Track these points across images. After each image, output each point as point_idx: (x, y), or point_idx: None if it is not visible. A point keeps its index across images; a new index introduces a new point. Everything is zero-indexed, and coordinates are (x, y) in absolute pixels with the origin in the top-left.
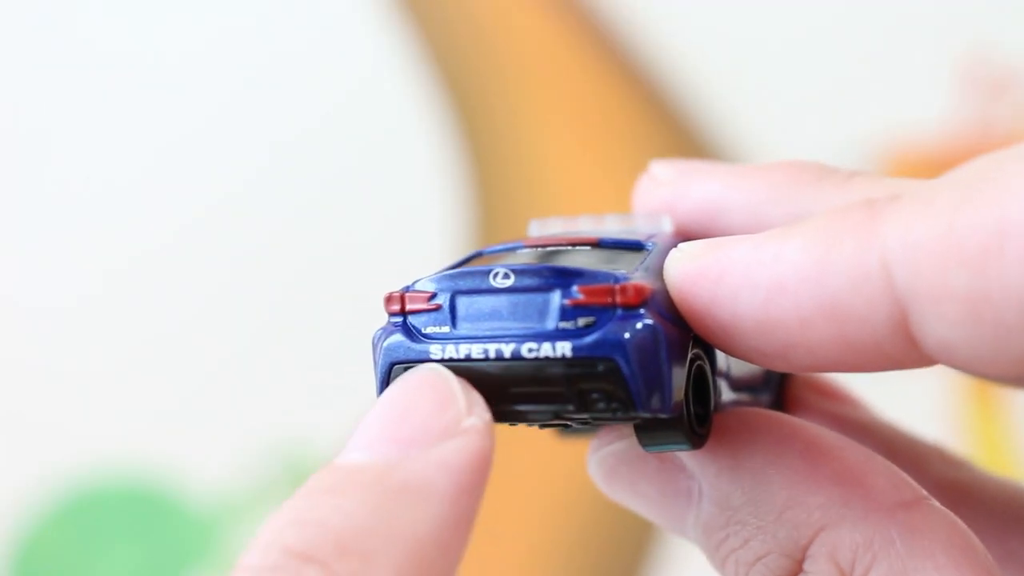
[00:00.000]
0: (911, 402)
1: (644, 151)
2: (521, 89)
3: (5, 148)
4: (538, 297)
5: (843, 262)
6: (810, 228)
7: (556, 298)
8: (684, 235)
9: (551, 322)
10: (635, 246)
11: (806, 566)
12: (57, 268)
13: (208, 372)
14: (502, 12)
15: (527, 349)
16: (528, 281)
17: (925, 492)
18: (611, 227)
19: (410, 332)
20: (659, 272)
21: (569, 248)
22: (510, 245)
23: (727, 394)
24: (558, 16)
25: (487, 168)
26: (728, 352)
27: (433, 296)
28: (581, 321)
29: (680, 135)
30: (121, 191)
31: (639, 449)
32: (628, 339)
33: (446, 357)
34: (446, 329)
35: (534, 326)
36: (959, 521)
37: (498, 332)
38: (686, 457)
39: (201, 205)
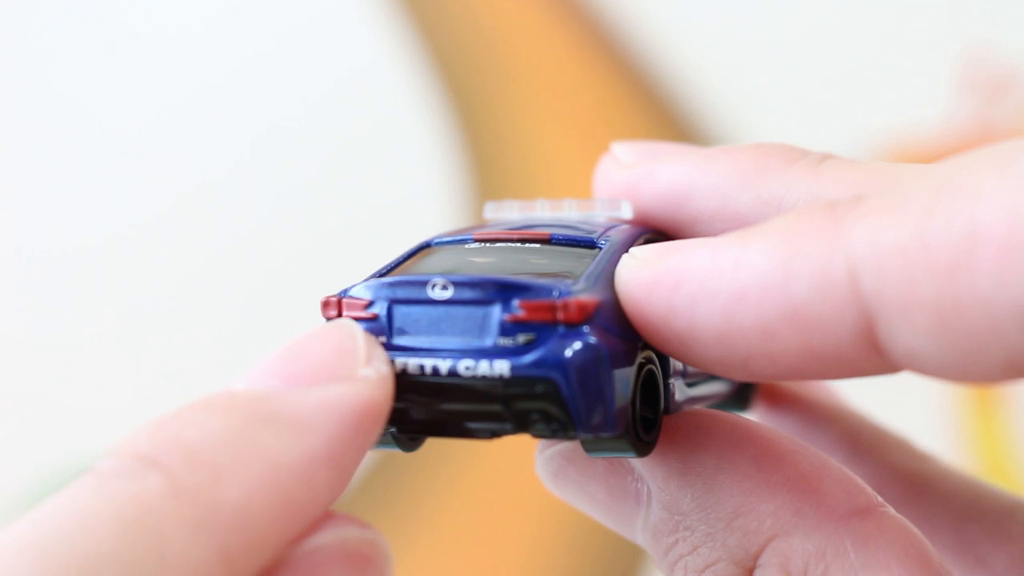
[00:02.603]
0: (911, 403)
1: None
2: (517, 81)
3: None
4: (477, 311)
5: (808, 267)
6: (772, 232)
7: (496, 312)
8: (646, 221)
9: (490, 338)
10: (587, 243)
11: (756, 575)
12: (57, 265)
13: (208, 369)
14: (499, 7)
15: (464, 367)
16: (467, 294)
17: (880, 499)
18: (568, 213)
19: None
20: (609, 276)
21: (519, 244)
22: (460, 237)
23: (685, 391)
24: (554, 10)
25: (483, 157)
26: (684, 362)
27: (370, 304)
28: (521, 338)
29: (679, 135)
30: (119, 191)
31: None
32: (568, 359)
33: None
34: (383, 339)
35: (472, 341)
36: (914, 529)
37: (436, 346)
38: (635, 459)
39: (186, 206)
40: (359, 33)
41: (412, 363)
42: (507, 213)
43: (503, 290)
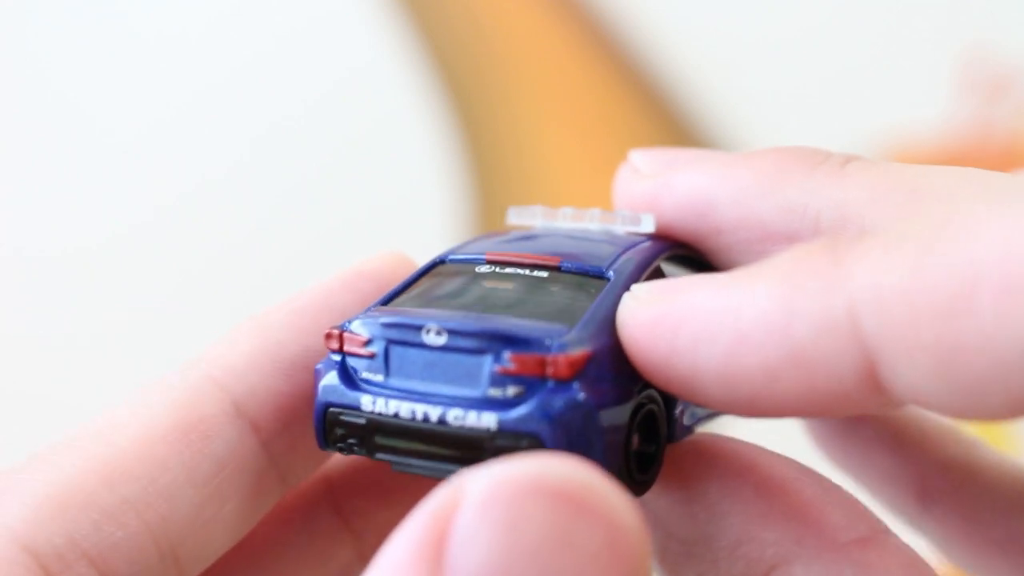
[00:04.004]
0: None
1: (642, 146)
2: (517, 81)
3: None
4: (469, 359)
5: (808, 310)
6: (773, 272)
7: (487, 363)
8: (668, 232)
9: (480, 388)
10: (595, 273)
11: None
12: (57, 265)
13: None
14: (499, 7)
15: (453, 416)
16: (460, 342)
17: (884, 526)
18: (590, 224)
19: (347, 374)
20: (609, 317)
21: (526, 272)
22: (473, 255)
23: (696, 412)
24: (554, 10)
25: (483, 157)
26: (689, 401)
27: (368, 342)
28: (511, 390)
29: (679, 135)
30: (119, 191)
31: None
32: (555, 417)
33: (376, 411)
34: (380, 378)
35: (463, 391)
36: (917, 555)
37: (428, 391)
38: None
39: (186, 206)
40: (359, 33)
41: (404, 408)
42: (530, 219)
43: (495, 341)
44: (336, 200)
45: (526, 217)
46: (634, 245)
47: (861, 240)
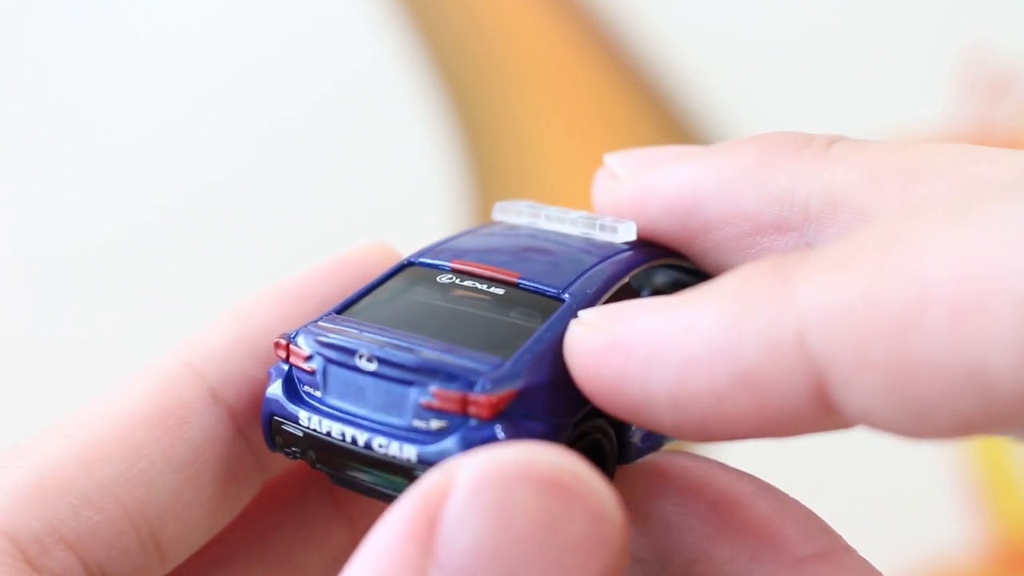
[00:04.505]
0: None
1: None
2: (517, 81)
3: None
4: (397, 388)
5: (756, 331)
6: (720, 294)
7: (413, 394)
8: (655, 236)
9: (406, 418)
10: (551, 295)
11: None
12: (57, 265)
13: None
14: (499, 7)
15: (377, 444)
16: (389, 371)
17: (843, 542)
18: (571, 229)
19: (291, 384)
20: (550, 348)
21: (483, 287)
22: (438, 261)
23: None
24: (554, 10)
25: (483, 157)
26: (640, 426)
27: (310, 358)
28: (434, 424)
29: (679, 135)
30: (119, 191)
31: None
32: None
33: (311, 427)
34: (318, 394)
35: (390, 419)
36: (875, 569)
37: (359, 414)
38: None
39: (186, 206)
40: (359, 33)
41: (336, 428)
42: (515, 216)
43: (421, 374)
44: (336, 200)
45: (511, 214)
46: (609, 256)
47: (808, 259)
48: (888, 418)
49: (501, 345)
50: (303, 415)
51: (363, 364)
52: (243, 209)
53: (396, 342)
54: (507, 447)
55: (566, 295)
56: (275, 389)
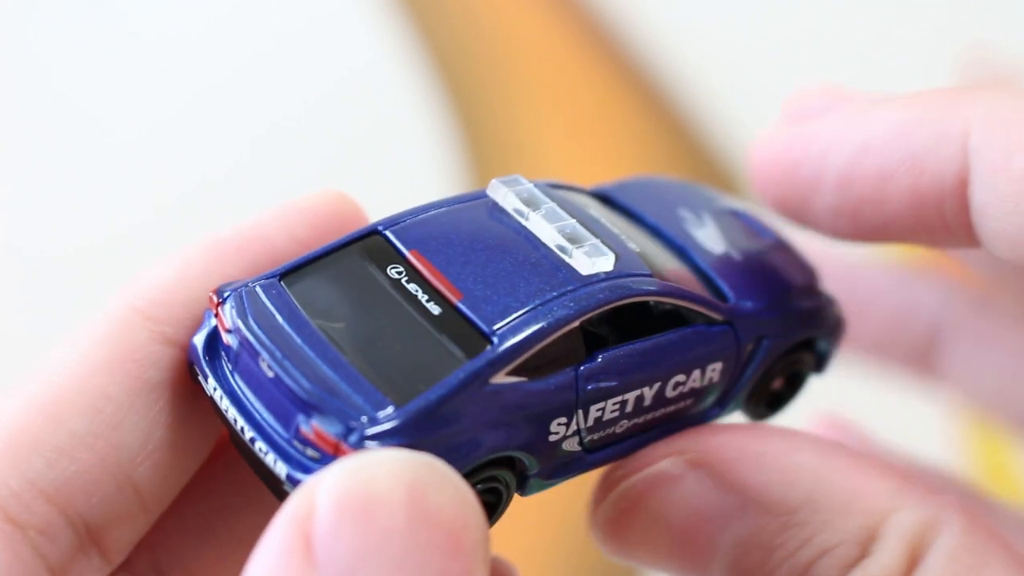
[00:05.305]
0: (912, 407)
1: (642, 148)
2: (517, 81)
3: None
4: (287, 403)
5: (930, 122)
6: (905, 97)
7: (298, 418)
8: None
9: (289, 433)
10: (482, 332)
11: (873, 548)
12: (57, 265)
13: None
14: (499, 7)
15: (259, 447)
16: (283, 386)
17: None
18: (551, 237)
19: (212, 341)
20: (452, 402)
21: (425, 298)
22: (400, 245)
23: (585, 458)
24: (554, 10)
25: (483, 157)
26: (796, 218)
27: (229, 331)
28: (309, 452)
29: (679, 135)
30: (119, 190)
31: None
32: None
33: (215, 399)
34: (229, 367)
35: (276, 425)
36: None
37: (253, 406)
38: (725, 477)
39: (186, 206)
40: (359, 33)
41: (232, 412)
42: (503, 201)
43: (307, 405)
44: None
45: (502, 198)
46: (569, 291)
47: (988, 87)
48: (1005, 227)
49: (407, 379)
50: (211, 382)
51: (263, 368)
52: (243, 209)
53: (300, 356)
54: (364, 458)
55: (495, 336)
56: (199, 339)
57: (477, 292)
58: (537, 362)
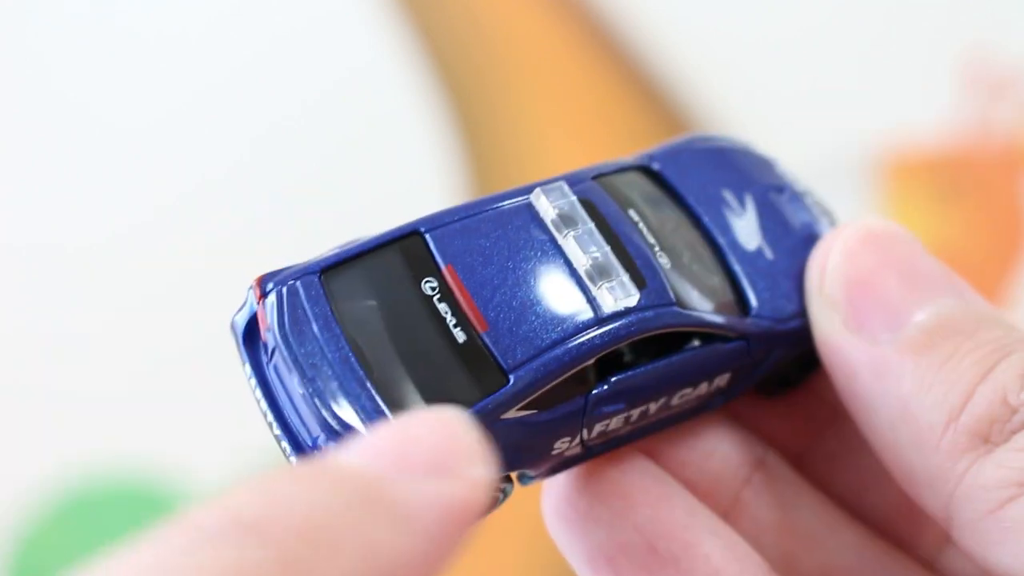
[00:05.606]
0: None
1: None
2: (517, 81)
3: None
4: (312, 417)
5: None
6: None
7: (321, 436)
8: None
9: (312, 439)
10: (501, 367)
11: None
12: (57, 265)
13: (209, 371)
14: (499, 7)
15: (283, 446)
16: (309, 403)
17: None
18: (582, 262)
19: (251, 327)
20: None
21: (452, 322)
22: (438, 255)
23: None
24: (554, 10)
25: (483, 157)
26: None
27: (269, 329)
28: None
29: (678, 134)
30: (119, 190)
31: None
32: None
33: (249, 382)
34: (265, 358)
35: (302, 430)
36: None
37: (283, 405)
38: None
39: (186, 206)
40: (359, 33)
41: (263, 403)
42: (547, 214)
43: (327, 429)
44: (336, 200)
45: (543, 210)
46: (590, 327)
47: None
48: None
49: (424, 408)
50: (247, 368)
51: (295, 381)
52: (243, 209)
53: (328, 380)
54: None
55: (512, 375)
56: (240, 318)
57: (502, 324)
58: (549, 396)
